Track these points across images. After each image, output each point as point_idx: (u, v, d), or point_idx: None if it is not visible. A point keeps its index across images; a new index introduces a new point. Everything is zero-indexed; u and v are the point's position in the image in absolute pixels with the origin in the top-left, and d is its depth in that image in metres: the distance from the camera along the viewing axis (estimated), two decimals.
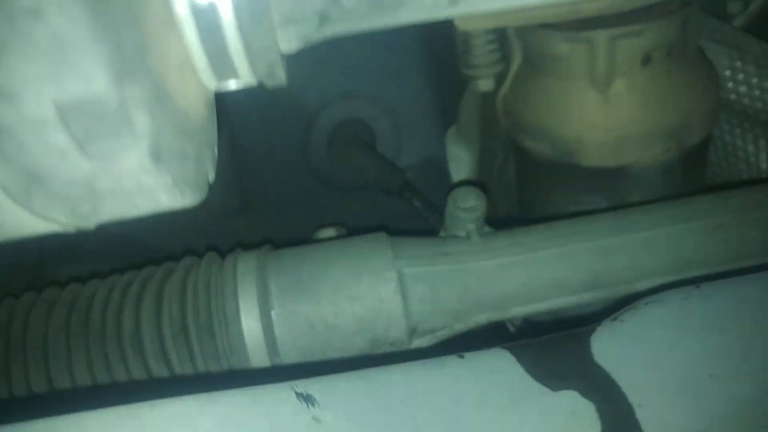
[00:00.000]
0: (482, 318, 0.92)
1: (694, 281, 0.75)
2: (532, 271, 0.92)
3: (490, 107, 1.20)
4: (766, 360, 0.67)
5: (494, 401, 0.64)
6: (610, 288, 0.92)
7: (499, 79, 1.16)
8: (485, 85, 1.15)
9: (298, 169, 1.38)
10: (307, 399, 0.58)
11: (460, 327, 0.92)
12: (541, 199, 1.18)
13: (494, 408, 0.64)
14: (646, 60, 1.00)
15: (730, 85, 1.18)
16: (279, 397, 0.57)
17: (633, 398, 0.65)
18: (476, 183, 1.08)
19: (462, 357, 0.66)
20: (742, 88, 1.17)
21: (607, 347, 0.70)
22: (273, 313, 0.86)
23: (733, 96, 1.19)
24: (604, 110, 1.03)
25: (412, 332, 0.89)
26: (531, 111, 1.10)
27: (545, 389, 0.66)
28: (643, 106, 1.03)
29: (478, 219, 0.95)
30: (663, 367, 0.68)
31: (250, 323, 0.85)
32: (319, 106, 1.37)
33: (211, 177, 0.52)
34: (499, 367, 0.67)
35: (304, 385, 0.59)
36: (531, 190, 1.22)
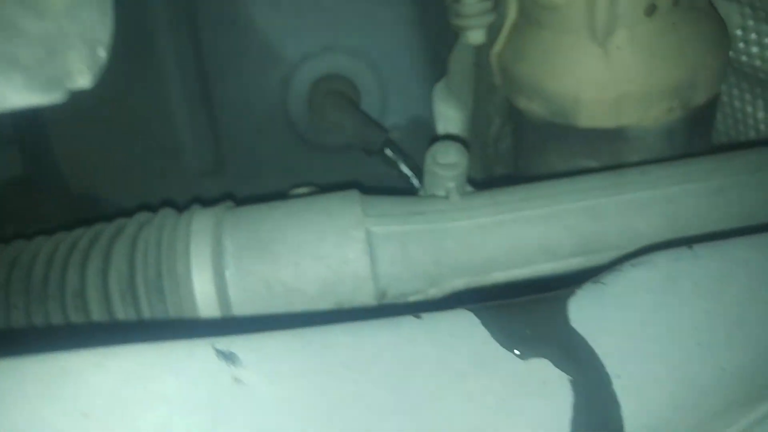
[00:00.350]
0: (459, 283, 0.86)
1: (687, 242, 0.68)
2: (515, 233, 0.86)
3: (482, 62, 1.13)
4: (760, 327, 0.61)
5: (452, 367, 0.57)
6: (600, 253, 0.86)
7: (492, 31, 1.08)
8: (475, 37, 1.08)
9: (276, 127, 1.33)
10: (229, 357, 0.51)
11: (434, 292, 0.85)
12: (535, 163, 1.12)
13: (451, 374, 0.57)
14: (651, 10, 0.95)
15: (741, 45, 1.11)
16: (194, 354, 0.50)
17: (611, 368, 0.59)
18: (458, 138, 1.02)
19: (419, 317, 0.59)
20: (755, 49, 1.10)
21: (586, 312, 0.63)
22: (227, 273, 0.80)
23: (744, 57, 1.12)
24: (603, 65, 0.97)
25: (382, 297, 0.83)
26: (525, 67, 1.04)
27: (512, 356, 0.59)
28: (646, 61, 0.97)
29: (458, 177, 0.89)
30: (646, 335, 0.62)
31: (202, 283, 0.79)
32: (298, 59, 1.32)
33: (84, 81, 0.43)
34: (460, 330, 0.60)
35: (226, 342, 0.52)
36: (525, 153, 1.16)
